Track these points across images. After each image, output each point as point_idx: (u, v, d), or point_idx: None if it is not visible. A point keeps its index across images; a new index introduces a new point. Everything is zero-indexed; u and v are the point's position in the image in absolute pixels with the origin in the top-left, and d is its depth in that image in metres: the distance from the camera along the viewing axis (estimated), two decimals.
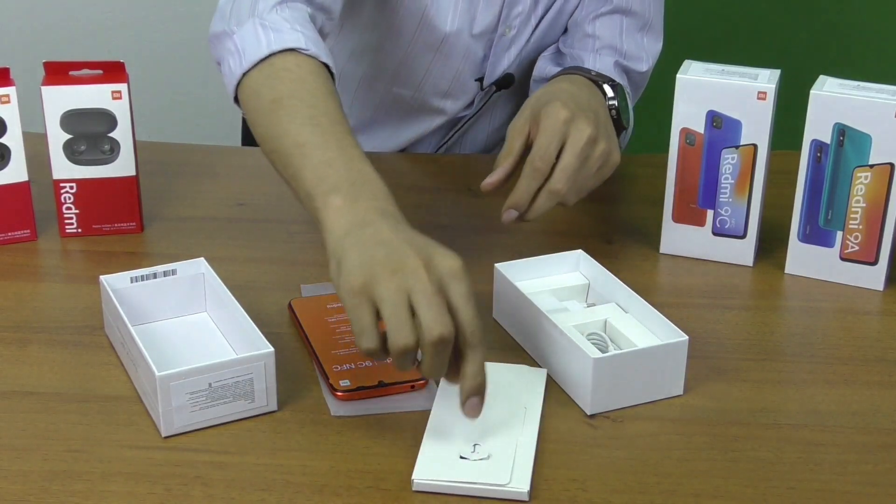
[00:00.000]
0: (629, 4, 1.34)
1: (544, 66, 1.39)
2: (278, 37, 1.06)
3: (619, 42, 1.35)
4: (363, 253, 0.85)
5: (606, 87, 1.20)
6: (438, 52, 1.35)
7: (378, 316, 0.84)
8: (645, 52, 1.37)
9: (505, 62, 1.39)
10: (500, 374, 0.97)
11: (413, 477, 0.85)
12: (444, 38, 1.33)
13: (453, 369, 0.86)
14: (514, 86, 1.43)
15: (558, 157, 1.08)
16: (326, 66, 1.08)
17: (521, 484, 0.85)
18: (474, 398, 0.86)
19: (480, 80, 1.41)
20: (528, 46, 1.39)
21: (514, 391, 0.95)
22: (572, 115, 1.08)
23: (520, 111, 1.14)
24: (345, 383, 0.95)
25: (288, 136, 0.98)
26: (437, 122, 1.45)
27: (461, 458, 0.87)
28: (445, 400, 0.93)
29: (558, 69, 1.35)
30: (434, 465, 0.86)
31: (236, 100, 1.10)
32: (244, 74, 1.07)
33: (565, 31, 1.40)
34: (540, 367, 1.00)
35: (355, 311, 0.84)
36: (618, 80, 1.26)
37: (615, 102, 1.19)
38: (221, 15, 1.13)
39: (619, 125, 1.19)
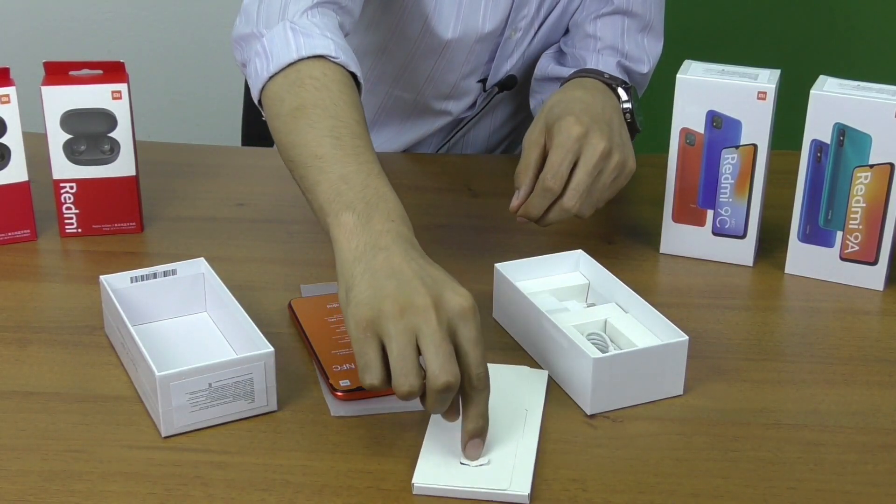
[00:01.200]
0: (630, 5, 1.34)
1: (546, 65, 1.39)
2: (308, 42, 1.05)
3: (621, 43, 1.35)
4: (373, 284, 0.84)
5: (621, 91, 1.20)
6: (441, 57, 1.35)
7: (384, 350, 0.83)
8: (646, 53, 1.37)
9: (508, 64, 1.39)
10: (501, 377, 0.96)
11: (413, 482, 0.85)
12: (446, 45, 1.33)
13: (454, 408, 0.86)
14: (518, 87, 1.43)
15: (572, 172, 1.08)
16: (354, 75, 1.06)
17: (521, 488, 0.84)
18: (476, 439, 0.86)
19: (483, 81, 1.41)
20: (532, 47, 1.39)
21: (516, 393, 0.95)
22: (586, 130, 1.08)
23: (534, 122, 1.14)
24: (345, 383, 0.95)
25: (307, 146, 0.97)
26: (439, 124, 1.45)
27: (461, 462, 0.87)
28: None
29: (561, 68, 1.36)
30: (434, 469, 0.86)
31: (260, 103, 1.08)
32: (270, 78, 1.05)
33: (566, 31, 1.40)
34: (540, 367, 1.00)
35: (361, 346, 0.84)
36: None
37: (629, 106, 1.19)
38: (247, 17, 1.11)
39: (633, 128, 1.19)
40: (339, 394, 0.94)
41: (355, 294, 0.85)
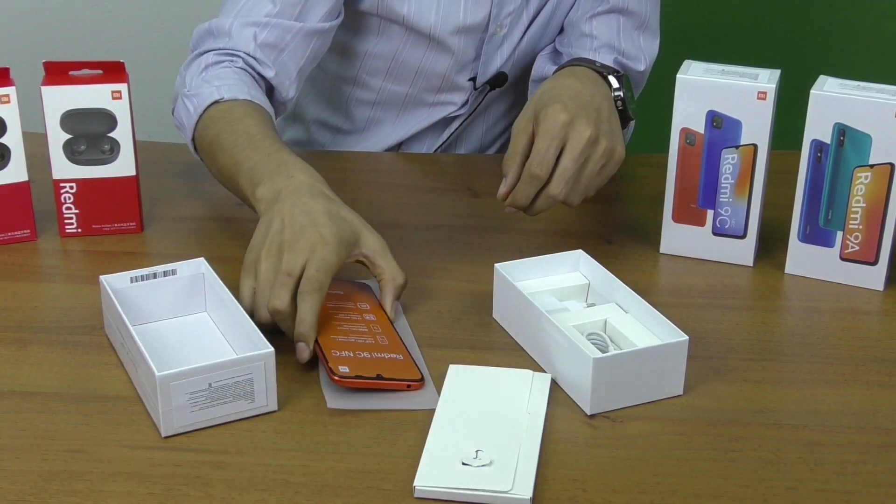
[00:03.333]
0: (626, 4, 1.34)
1: (543, 66, 1.39)
2: (199, 101, 1.20)
3: (617, 41, 1.35)
4: (259, 232, 1.03)
5: (612, 79, 1.20)
6: (428, 50, 1.36)
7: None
8: (643, 52, 1.37)
9: (497, 61, 1.39)
10: (503, 379, 0.97)
11: (415, 483, 0.85)
12: (430, 37, 1.34)
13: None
14: (510, 85, 1.43)
15: (559, 160, 1.08)
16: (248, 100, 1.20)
17: (523, 491, 0.84)
18: (300, 343, 0.97)
19: (474, 79, 1.41)
20: (522, 45, 1.39)
21: (518, 396, 0.95)
22: (572, 117, 1.08)
23: (523, 110, 1.14)
24: (344, 370, 0.95)
25: (225, 164, 1.14)
26: (434, 118, 1.45)
27: (463, 464, 0.87)
28: (448, 405, 0.93)
29: (557, 68, 1.36)
30: (436, 471, 0.86)
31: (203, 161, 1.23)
32: (192, 141, 1.22)
33: (561, 30, 1.40)
34: (541, 368, 1.00)
35: (241, 281, 1.01)
36: None
37: (621, 94, 1.19)
38: (174, 95, 1.27)
39: (625, 117, 1.19)
40: (336, 378, 0.93)
41: (251, 243, 1.03)
